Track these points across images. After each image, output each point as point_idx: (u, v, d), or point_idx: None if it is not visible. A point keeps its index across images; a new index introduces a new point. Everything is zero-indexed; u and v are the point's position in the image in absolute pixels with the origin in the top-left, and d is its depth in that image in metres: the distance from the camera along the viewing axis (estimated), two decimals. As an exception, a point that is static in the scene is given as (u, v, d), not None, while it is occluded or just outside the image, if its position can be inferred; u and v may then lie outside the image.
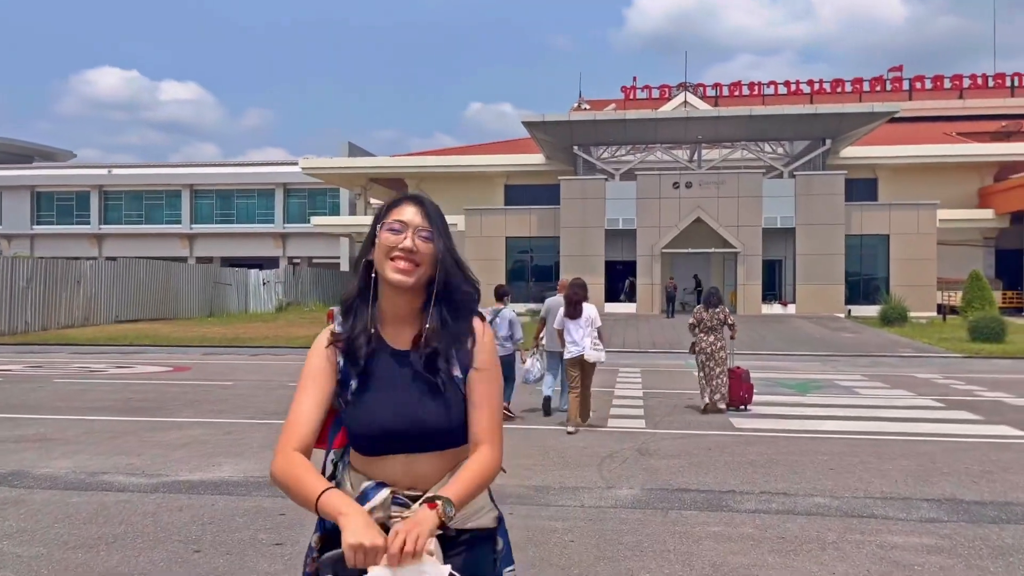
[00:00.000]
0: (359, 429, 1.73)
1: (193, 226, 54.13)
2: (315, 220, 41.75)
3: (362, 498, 1.66)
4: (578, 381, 8.61)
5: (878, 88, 49.45)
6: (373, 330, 1.78)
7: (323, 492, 1.59)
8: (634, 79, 55.21)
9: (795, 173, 32.11)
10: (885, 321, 27.05)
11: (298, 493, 1.63)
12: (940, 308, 32.94)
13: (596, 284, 32.28)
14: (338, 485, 1.74)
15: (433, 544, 1.59)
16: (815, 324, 26.86)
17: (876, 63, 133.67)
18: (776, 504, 5.42)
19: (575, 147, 33.55)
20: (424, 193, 1.93)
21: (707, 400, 9.91)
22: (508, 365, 8.98)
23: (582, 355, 8.59)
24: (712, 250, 32.59)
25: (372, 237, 1.78)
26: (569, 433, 8.20)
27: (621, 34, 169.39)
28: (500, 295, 9.65)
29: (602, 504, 5.41)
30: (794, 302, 31.74)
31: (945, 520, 5.04)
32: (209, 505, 5.42)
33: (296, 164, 44.47)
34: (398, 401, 1.73)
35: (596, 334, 8.80)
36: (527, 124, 31.53)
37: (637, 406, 10.28)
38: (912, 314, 28.02)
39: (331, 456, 1.82)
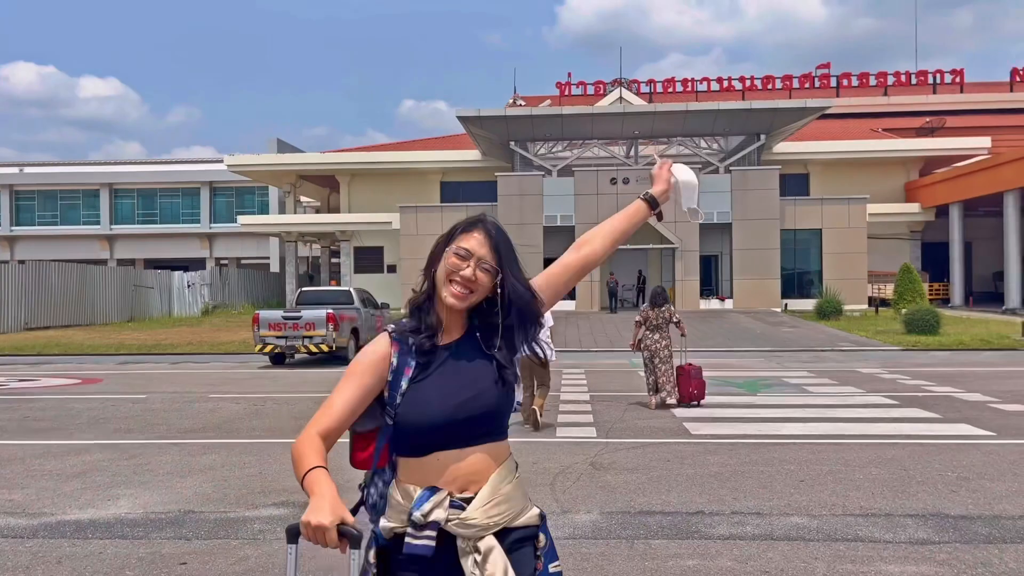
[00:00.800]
0: (415, 420, 1.80)
1: (113, 227, 51.69)
2: (242, 219, 40.13)
3: (417, 502, 1.76)
4: (530, 381, 8.72)
5: (807, 85, 50.23)
6: (434, 330, 1.88)
7: (312, 469, 1.69)
8: (569, 75, 55.26)
9: (731, 168, 32.17)
10: (821, 315, 27.25)
11: (297, 469, 1.72)
12: (871, 301, 33.50)
13: (535, 282, 31.67)
14: (371, 503, 1.87)
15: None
16: (754, 319, 26.87)
17: (800, 62, 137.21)
18: (751, 527, 4.87)
19: (511, 143, 32.95)
20: (492, 217, 2.00)
21: (654, 399, 10.04)
22: None
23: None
24: (651, 246, 32.40)
25: (439, 253, 1.90)
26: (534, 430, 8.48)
27: (554, 32, 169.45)
28: None
29: (559, 535, 4.77)
30: (731, 297, 31.81)
31: (937, 541, 4.55)
32: (96, 553, 4.57)
33: (222, 162, 42.77)
34: (453, 387, 1.82)
35: (548, 334, 8.76)
36: (462, 119, 30.78)
37: (585, 411, 9.70)
38: (845, 307, 28.31)
39: (365, 479, 1.90)
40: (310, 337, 15.51)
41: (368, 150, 41.96)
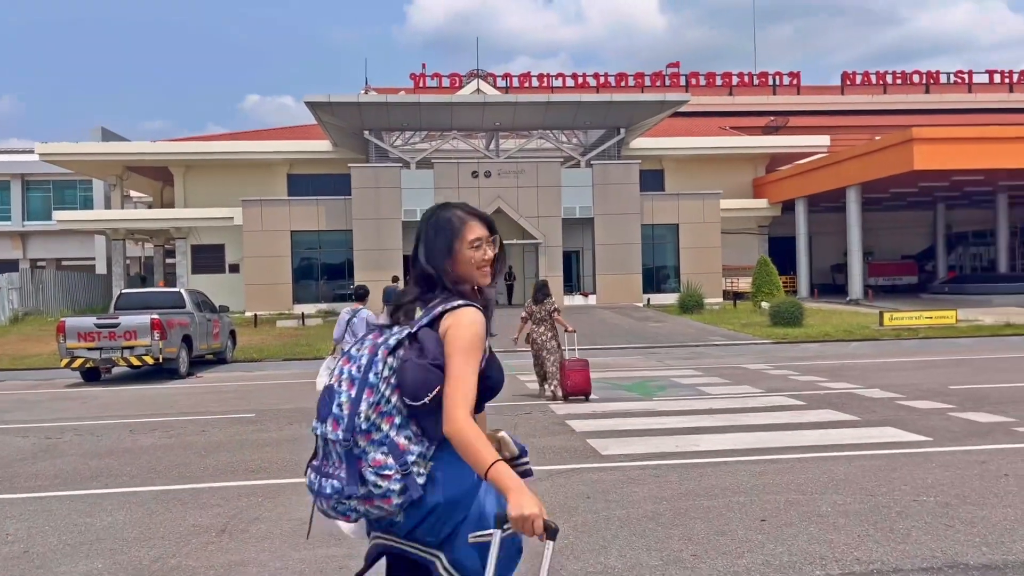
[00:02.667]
0: (499, 381, 2.11)
1: (-99, 225, 45.07)
2: (59, 216, 35.68)
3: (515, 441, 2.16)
4: None
5: (658, 83, 51.06)
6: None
7: (494, 463, 1.86)
8: (423, 66, 53.34)
9: (592, 163, 31.64)
10: (683, 309, 27.11)
11: (476, 461, 1.87)
12: (726, 294, 34.07)
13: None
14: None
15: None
16: (620, 315, 26.33)
17: (644, 67, 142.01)
18: (737, 606, 3.53)
19: (366, 132, 30.90)
20: (457, 205, 2.23)
21: (547, 392, 10.21)
22: None
23: None
24: (514, 241, 31.35)
25: (448, 249, 2.10)
26: None
27: (404, 31, 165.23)
28: (360, 296, 9.53)
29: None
30: (595, 293, 31.30)
31: (986, 612, 3.39)
32: None
33: (33, 152, 37.90)
34: None
35: None
36: (311, 105, 28.42)
37: (468, 429, 8.19)
38: (705, 301, 28.34)
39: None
40: (131, 348, 13.07)
41: (206, 139, 38.49)
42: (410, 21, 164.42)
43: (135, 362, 13.13)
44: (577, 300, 31.05)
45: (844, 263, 44.77)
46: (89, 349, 13.09)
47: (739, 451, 6.73)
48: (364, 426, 1.91)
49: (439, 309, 2.02)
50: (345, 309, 9.30)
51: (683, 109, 39.64)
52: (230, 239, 34.77)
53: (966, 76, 52.64)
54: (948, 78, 52.84)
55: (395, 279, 22.08)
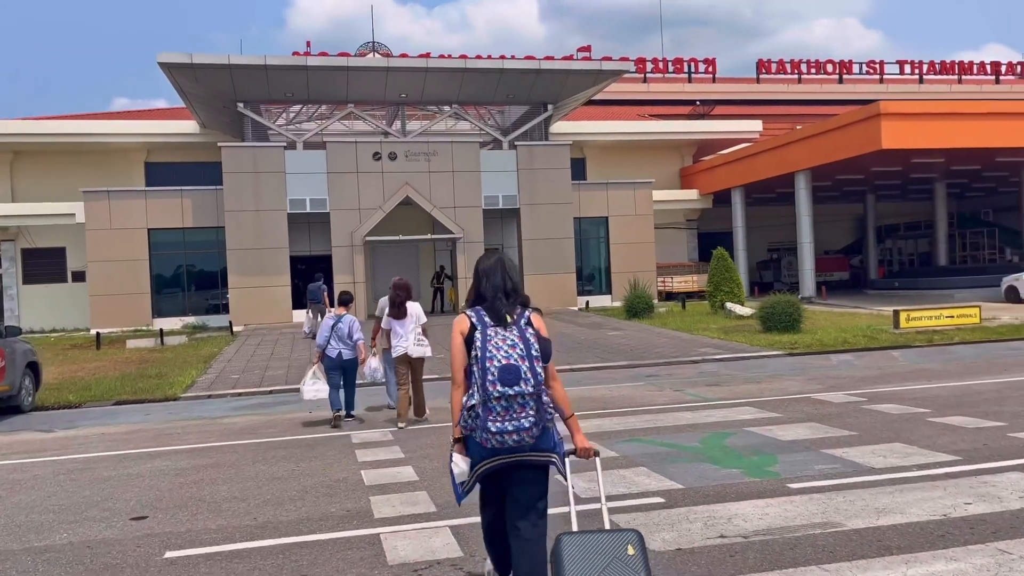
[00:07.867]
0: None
1: None
2: None
3: None
4: (407, 378, 8.75)
5: (570, 68, 47.09)
6: None
7: (573, 415, 3.62)
8: (308, 44, 47.18)
9: (516, 144, 26.99)
10: (631, 313, 22.81)
11: (563, 405, 3.57)
12: (659, 294, 30.20)
13: (281, 286, 24.31)
14: None
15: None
16: (563, 321, 21.75)
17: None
18: None
19: (240, 105, 25.07)
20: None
21: None
22: (356, 368, 9.22)
23: (407, 352, 8.66)
24: (426, 237, 26.32)
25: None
26: (399, 428, 8.46)
27: (284, 35, 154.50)
28: (344, 302, 9.47)
29: None
30: (522, 296, 26.62)
31: None
32: None
33: None
34: None
35: (420, 331, 8.83)
36: (168, 67, 22.37)
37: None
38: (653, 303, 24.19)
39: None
40: None
41: (41, 120, 31.40)
42: (289, 25, 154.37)
43: None
44: (503, 305, 26.26)
45: (769, 259, 42.00)
46: None
47: None
48: (542, 381, 3.30)
49: (529, 312, 3.56)
50: (329, 314, 9.35)
51: (598, 97, 35.62)
52: (72, 241, 28.13)
53: (877, 66, 51.32)
54: (860, 68, 51.42)
55: (318, 276, 22.08)
